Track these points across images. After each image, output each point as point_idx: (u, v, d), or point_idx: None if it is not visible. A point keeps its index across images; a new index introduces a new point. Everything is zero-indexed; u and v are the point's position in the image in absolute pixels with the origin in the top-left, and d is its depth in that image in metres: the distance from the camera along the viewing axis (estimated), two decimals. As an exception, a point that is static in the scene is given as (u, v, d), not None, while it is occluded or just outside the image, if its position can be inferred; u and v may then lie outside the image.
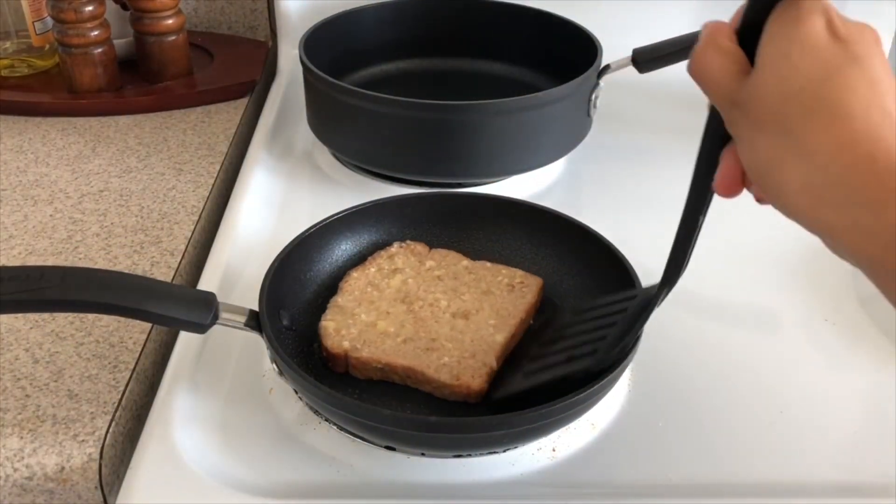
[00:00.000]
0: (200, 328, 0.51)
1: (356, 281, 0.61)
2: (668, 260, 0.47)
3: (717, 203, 0.43)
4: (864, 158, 0.32)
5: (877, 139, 0.32)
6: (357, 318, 0.57)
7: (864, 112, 0.33)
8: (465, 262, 0.64)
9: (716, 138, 0.41)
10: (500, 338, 0.56)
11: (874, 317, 0.64)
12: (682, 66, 0.81)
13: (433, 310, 0.59)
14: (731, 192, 0.40)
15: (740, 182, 0.39)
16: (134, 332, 0.61)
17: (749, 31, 0.36)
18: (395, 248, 0.64)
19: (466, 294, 0.60)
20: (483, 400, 0.53)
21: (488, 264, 0.63)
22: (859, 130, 0.32)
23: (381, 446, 0.52)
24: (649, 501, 0.50)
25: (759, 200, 0.39)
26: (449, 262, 0.63)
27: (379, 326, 0.57)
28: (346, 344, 0.55)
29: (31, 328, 0.61)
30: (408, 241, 0.65)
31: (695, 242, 0.45)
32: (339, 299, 0.59)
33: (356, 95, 0.75)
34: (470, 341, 0.56)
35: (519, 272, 0.62)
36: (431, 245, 0.65)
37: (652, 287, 0.50)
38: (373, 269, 0.62)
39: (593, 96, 0.81)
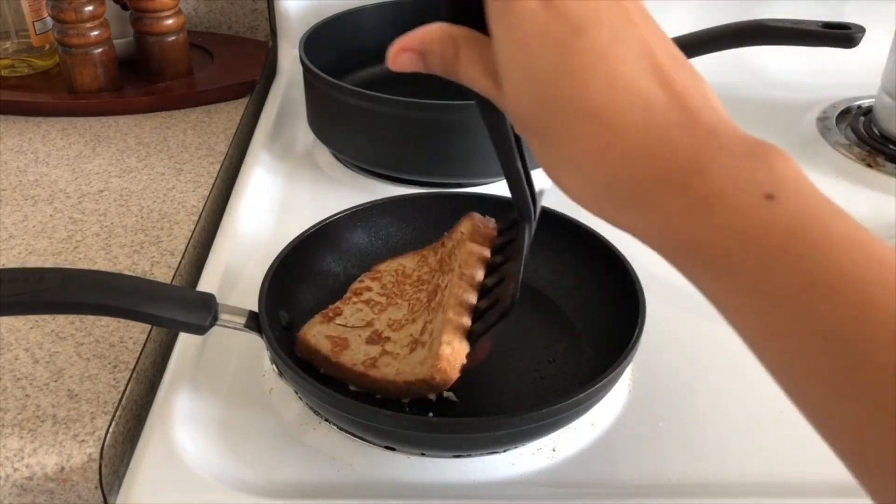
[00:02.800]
0: (200, 330, 0.51)
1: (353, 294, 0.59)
2: (513, 200, 0.46)
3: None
4: (620, 160, 0.29)
5: (625, 129, 0.28)
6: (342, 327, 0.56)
7: (605, 99, 0.28)
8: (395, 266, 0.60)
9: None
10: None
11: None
12: (681, 66, 0.82)
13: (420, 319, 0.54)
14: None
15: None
16: (134, 332, 0.61)
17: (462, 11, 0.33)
18: (394, 262, 0.61)
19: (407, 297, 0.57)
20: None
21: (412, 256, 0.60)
22: (608, 126, 0.28)
23: (381, 446, 0.52)
24: (650, 501, 0.50)
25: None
26: (392, 275, 0.60)
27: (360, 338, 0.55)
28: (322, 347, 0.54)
29: (31, 328, 0.61)
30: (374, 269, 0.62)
31: (526, 179, 0.43)
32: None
33: (356, 95, 0.75)
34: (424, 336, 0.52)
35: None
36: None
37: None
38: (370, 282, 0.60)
39: (593, 96, 0.81)
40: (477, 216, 0.56)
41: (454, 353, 0.48)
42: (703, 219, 0.27)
